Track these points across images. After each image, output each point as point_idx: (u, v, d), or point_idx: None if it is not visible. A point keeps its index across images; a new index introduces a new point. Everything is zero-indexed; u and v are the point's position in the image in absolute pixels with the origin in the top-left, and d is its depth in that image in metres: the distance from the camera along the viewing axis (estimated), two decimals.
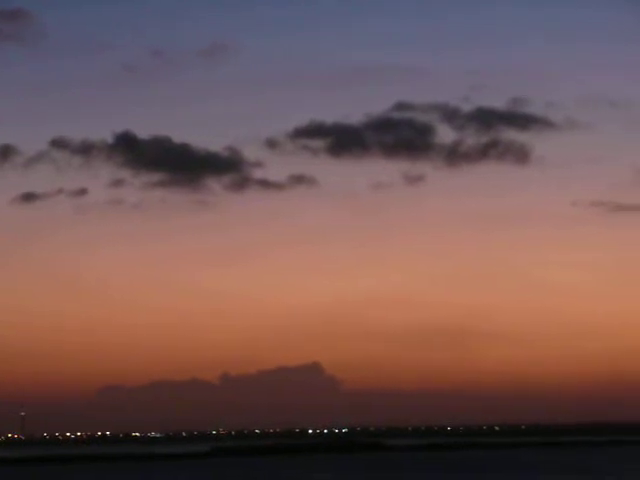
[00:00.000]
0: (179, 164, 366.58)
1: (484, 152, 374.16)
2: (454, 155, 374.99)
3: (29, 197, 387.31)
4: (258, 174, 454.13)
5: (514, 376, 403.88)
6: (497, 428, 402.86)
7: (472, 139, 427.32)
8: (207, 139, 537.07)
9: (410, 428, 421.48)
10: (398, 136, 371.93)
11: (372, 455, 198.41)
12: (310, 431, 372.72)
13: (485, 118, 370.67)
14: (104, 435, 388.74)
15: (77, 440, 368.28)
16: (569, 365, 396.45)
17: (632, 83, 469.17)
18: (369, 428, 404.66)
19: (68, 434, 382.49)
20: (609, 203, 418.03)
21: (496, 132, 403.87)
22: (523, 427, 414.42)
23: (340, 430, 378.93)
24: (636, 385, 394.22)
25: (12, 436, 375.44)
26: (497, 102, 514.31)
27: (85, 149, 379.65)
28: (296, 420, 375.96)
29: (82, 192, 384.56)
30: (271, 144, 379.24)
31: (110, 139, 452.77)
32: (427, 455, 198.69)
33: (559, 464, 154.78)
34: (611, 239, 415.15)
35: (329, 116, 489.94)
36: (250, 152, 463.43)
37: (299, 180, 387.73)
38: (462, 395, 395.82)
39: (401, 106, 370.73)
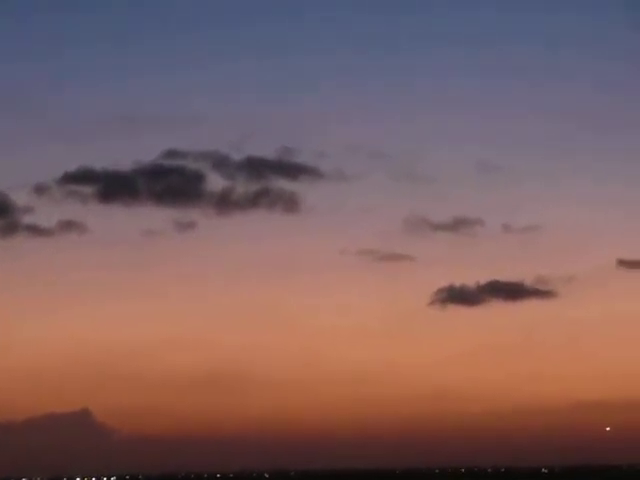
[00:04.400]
0: None
1: (254, 201, 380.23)
2: (224, 203, 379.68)
3: None
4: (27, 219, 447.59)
5: (285, 421, 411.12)
6: (267, 475, 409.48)
7: (242, 187, 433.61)
8: None
9: (182, 475, 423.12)
10: (168, 183, 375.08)
11: None
12: (78, 479, 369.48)
13: (255, 167, 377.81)
14: None
15: None
16: (338, 410, 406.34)
17: (398, 134, 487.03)
18: (138, 476, 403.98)
19: None
20: (376, 252, 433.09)
21: (266, 181, 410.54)
22: (292, 473, 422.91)
23: (109, 478, 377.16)
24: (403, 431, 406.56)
25: None
26: (267, 151, 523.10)
27: None
28: (64, 467, 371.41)
29: None
30: (40, 189, 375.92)
31: None
32: None
33: None
34: (377, 287, 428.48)
35: (98, 162, 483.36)
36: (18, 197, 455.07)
37: (69, 226, 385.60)
38: (234, 441, 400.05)
39: (171, 154, 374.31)
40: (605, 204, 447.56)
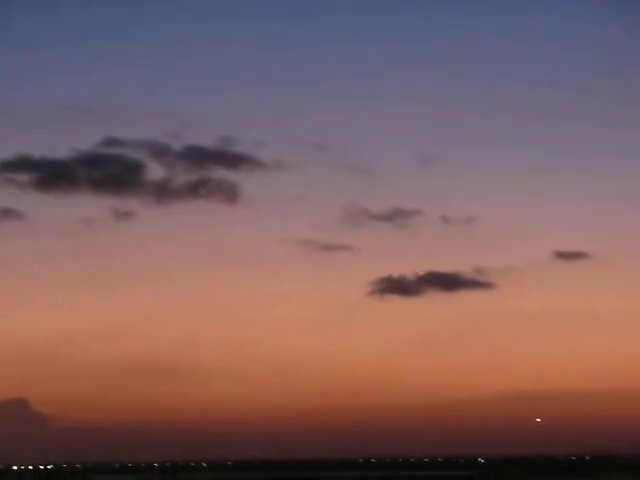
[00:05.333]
0: None
1: (194, 190, 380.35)
2: (164, 192, 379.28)
3: None
4: None
5: (222, 411, 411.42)
6: (205, 464, 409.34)
7: (182, 177, 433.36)
8: None
9: (117, 465, 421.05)
10: (107, 172, 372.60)
11: None
12: (15, 467, 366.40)
13: (195, 156, 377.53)
14: None
15: None
16: (276, 400, 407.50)
17: (338, 125, 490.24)
18: (75, 464, 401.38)
19: None
20: (316, 242, 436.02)
21: (206, 170, 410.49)
22: (229, 463, 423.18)
23: (46, 467, 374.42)
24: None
25: None
26: (207, 140, 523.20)
27: None
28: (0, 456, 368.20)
29: None
30: None
31: None
32: None
33: None
34: (316, 277, 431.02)
35: (37, 150, 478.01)
36: None
37: (6, 214, 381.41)
38: (170, 430, 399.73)
39: (110, 142, 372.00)
40: (542, 196, 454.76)
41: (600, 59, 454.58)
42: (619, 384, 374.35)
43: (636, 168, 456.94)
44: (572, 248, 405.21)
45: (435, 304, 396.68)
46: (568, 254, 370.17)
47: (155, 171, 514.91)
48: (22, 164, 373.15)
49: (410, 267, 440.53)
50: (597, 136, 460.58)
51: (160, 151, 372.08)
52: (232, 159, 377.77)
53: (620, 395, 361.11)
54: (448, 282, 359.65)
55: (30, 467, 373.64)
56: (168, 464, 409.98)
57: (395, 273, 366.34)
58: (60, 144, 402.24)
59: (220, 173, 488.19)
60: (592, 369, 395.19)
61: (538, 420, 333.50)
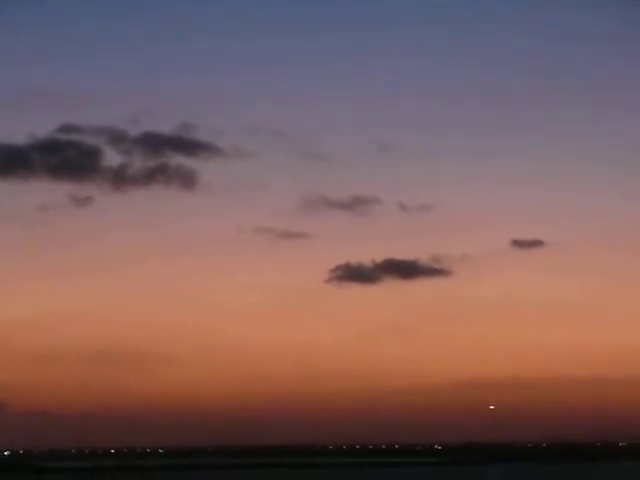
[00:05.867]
0: None
1: (151, 177, 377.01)
2: (121, 178, 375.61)
3: None
4: None
5: (182, 398, 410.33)
6: (161, 450, 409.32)
7: (139, 163, 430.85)
8: None
9: (74, 451, 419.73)
10: (64, 158, 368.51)
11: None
12: None
13: (152, 142, 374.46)
14: None
15: None
16: (237, 387, 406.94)
17: (296, 114, 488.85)
18: (32, 451, 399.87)
19: None
20: (274, 229, 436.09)
21: (164, 157, 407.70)
22: (186, 449, 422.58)
23: (2, 453, 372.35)
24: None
25: None
26: (165, 127, 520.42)
27: None
28: None
29: None
30: None
31: None
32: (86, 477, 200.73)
33: None
34: (274, 264, 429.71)
35: None
36: None
37: None
38: (130, 417, 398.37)
39: (67, 128, 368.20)
40: (500, 184, 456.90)
41: (551, 45, 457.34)
42: (572, 371, 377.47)
43: (593, 153, 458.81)
44: (529, 236, 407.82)
45: (392, 291, 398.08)
46: (525, 242, 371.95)
47: (112, 157, 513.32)
48: None
49: (368, 254, 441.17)
50: (553, 122, 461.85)
51: (117, 137, 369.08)
52: (190, 146, 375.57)
53: (573, 382, 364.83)
54: (405, 269, 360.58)
55: None
56: (126, 450, 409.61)
57: (353, 260, 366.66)
58: (16, 130, 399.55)
59: (178, 160, 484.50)
60: (548, 356, 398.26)
61: (491, 407, 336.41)
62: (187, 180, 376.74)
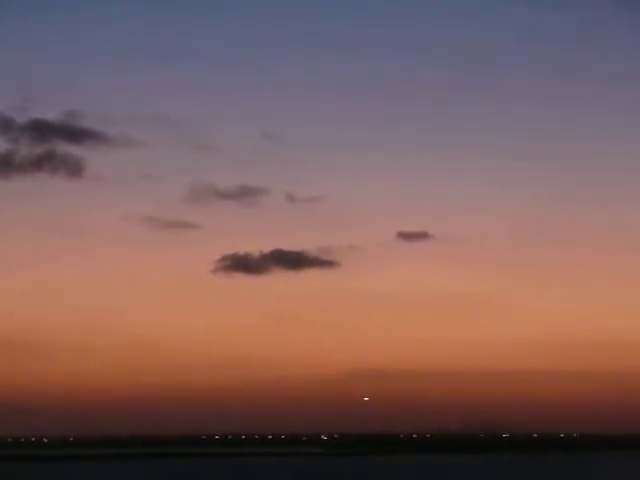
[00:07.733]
0: None
1: (37, 164, 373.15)
2: (6, 166, 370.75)
3: None
4: None
5: (65, 387, 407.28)
6: (46, 440, 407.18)
7: (25, 150, 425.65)
8: None
9: None
10: None
11: None
12: None
13: (39, 130, 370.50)
14: None
15: None
16: (121, 376, 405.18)
17: (186, 103, 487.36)
18: None
19: None
20: (160, 219, 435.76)
21: (50, 144, 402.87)
22: (71, 439, 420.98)
23: None
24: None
25: None
26: (52, 114, 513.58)
27: None
28: None
29: None
30: None
31: None
32: None
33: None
34: (160, 254, 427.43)
35: None
36: None
37: None
38: (10, 406, 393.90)
39: None
40: (387, 176, 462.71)
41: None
42: (453, 363, 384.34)
43: (480, 144, 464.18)
44: (414, 228, 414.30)
45: (280, 282, 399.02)
46: (411, 234, 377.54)
47: None
48: None
49: (256, 245, 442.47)
50: (441, 112, 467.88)
51: (3, 124, 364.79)
52: (77, 134, 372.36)
53: (456, 375, 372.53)
54: (293, 260, 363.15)
55: None
56: (10, 440, 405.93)
57: (241, 250, 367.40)
58: None
59: (65, 148, 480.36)
60: (431, 348, 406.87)
61: (366, 399, 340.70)
62: (74, 168, 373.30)
